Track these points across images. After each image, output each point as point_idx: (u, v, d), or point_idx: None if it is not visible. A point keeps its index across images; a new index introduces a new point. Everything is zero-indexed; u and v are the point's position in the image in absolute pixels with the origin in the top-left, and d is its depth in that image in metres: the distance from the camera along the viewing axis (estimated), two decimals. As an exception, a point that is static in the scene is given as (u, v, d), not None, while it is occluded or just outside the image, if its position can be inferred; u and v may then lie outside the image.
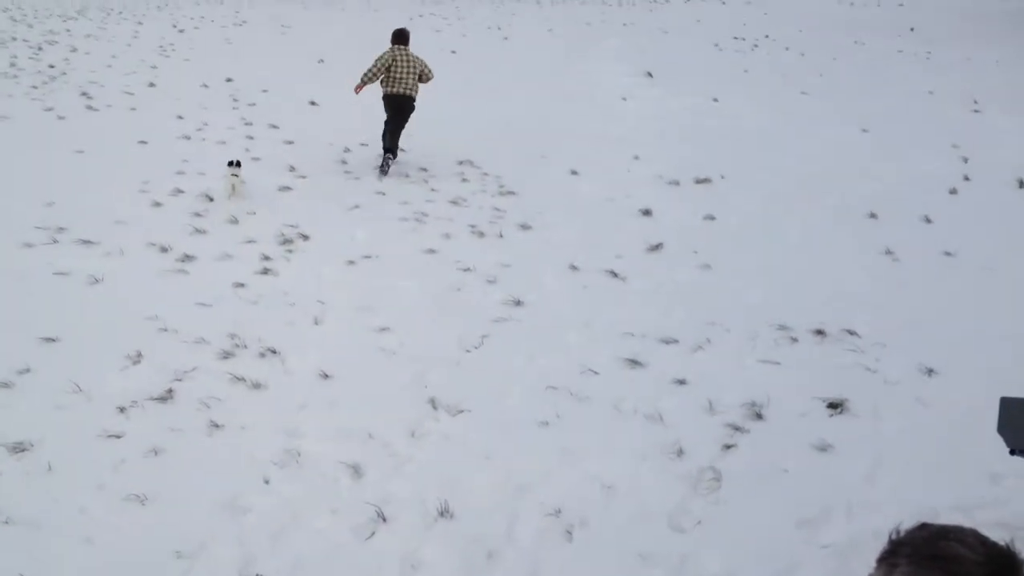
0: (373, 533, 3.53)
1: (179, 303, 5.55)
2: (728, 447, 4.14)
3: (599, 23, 24.39)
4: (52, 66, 14.26)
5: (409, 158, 9.39)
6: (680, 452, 4.08)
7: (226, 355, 4.92)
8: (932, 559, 1.29)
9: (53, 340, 4.99)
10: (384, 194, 8.17)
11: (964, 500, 3.68)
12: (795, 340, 5.27)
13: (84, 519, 3.54)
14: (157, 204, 7.54)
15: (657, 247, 6.85)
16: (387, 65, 8.77)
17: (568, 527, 3.57)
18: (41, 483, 3.76)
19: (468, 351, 5.10)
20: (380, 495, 3.74)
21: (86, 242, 6.52)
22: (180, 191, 7.91)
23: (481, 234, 7.13)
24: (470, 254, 6.63)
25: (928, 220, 7.57)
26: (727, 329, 5.39)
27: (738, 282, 6.18)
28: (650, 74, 15.39)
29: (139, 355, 4.85)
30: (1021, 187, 8.65)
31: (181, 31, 20.03)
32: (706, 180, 8.79)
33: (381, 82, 8.89)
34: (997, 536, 1.34)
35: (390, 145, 8.90)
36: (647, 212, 7.72)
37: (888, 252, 6.78)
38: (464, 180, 8.70)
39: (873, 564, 1.39)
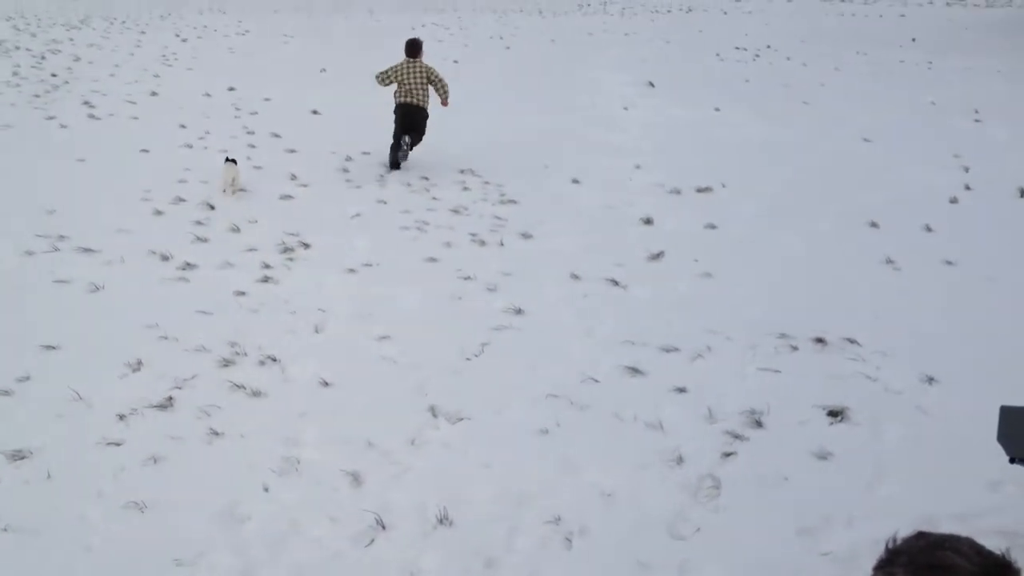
0: (372, 541, 3.52)
1: (180, 311, 5.56)
2: (728, 455, 4.14)
3: (601, 33, 24.45)
4: (55, 75, 14.33)
5: (411, 167, 9.41)
6: (680, 460, 4.08)
7: (226, 363, 4.93)
8: (928, 568, 1.29)
9: (53, 348, 5.01)
10: (385, 203, 8.18)
11: (964, 508, 3.67)
12: (795, 348, 5.26)
13: (83, 527, 3.54)
14: (158, 212, 7.56)
15: (658, 256, 6.86)
16: (395, 78, 9.22)
17: (568, 535, 3.56)
18: (41, 491, 3.77)
19: (468, 359, 5.10)
20: (379, 503, 3.74)
21: (87, 250, 6.54)
22: (182, 199, 7.93)
23: (482, 243, 7.14)
24: (471, 262, 6.64)
25: (929, 229, 7.57)
26: (728, 337, 5.39)
27: (739, 290, 6.18)
28: (652, 83, 15.43)
29: (139, 363, 4.86)
30: (1022, 197, 8.64)
31: (184, 40, 20.11)
32: (707, 189, 8.80)
33: (394, 93, 9.34)
34: (995, 545, 1.34)
35: (393, 160, 9.26)
36: (648, 221, 7.73)
37: (889, 261, 6.78)
38: (465, 189, 8.71)
39: (871, 573, 1.39)
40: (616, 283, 6.28)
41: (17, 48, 17.29)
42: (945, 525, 3.54)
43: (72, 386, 4.52)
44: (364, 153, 9.91)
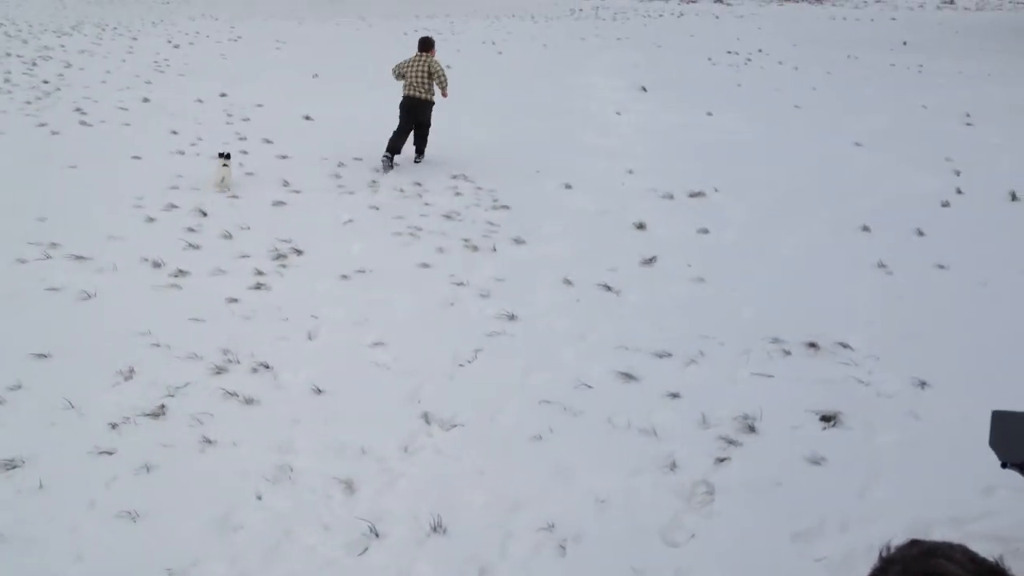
0: (366, 549, 3.51)
1: (172, 318, 5.54)
2: (721, 460, 4.14)
3: (593, 38, 24.52)
4: (46, 81, 14.29)
5: (403, 172, 9.42)
6: (673, 466, 4.08)
7: (219, 370, 4.91)
8: (923, 576, 1.29)
9: (45, 356, 4.98)
10: (378, 208, 8.18)
11: (957, 513, 3.68)
12: (788, 353, 5.27)
13: (76, 536, 3.52)
14: (150, 219, 7.54)
15: (651, 260, 6.87)
16: (403, 71, 9.66)
17: (561, 542, 3.56)
18: (32, 500, 3.74)
19: (461, 365, 5.09)
20: (373, 511, 3.73)
21: (79, 257, 6.51)
22: (174, 206, 7.91)
23: (475, 248, 7.13)
24: (464, 268, 6.64)
25: (921, 233, 7.60)
26: (721, 342, 5.39)
27: (732, 295, 6.19)
28: (644, 88, 15.47)
29: (131, 371, 4.84)
30: (1013, 200, 8.68)
31: (176, 47, 20.09)
32: (700, 194, 8.82)
33: (403, 86, 9.76)
34: (988, 550, 1.35)
35: (392, 146, 9.50)
36: (641, 226, 7.74)
37: (881, 265, 6.80)
38: (458, 194, 8.71)
39: (864, 580, 1.39)
40: (609, 288, 6.29)
41: (8, 54, 17.25)
42: (938, 529, 3.55)
43: (64, 394, 4.50)
44: (356, 159, 9.91)
